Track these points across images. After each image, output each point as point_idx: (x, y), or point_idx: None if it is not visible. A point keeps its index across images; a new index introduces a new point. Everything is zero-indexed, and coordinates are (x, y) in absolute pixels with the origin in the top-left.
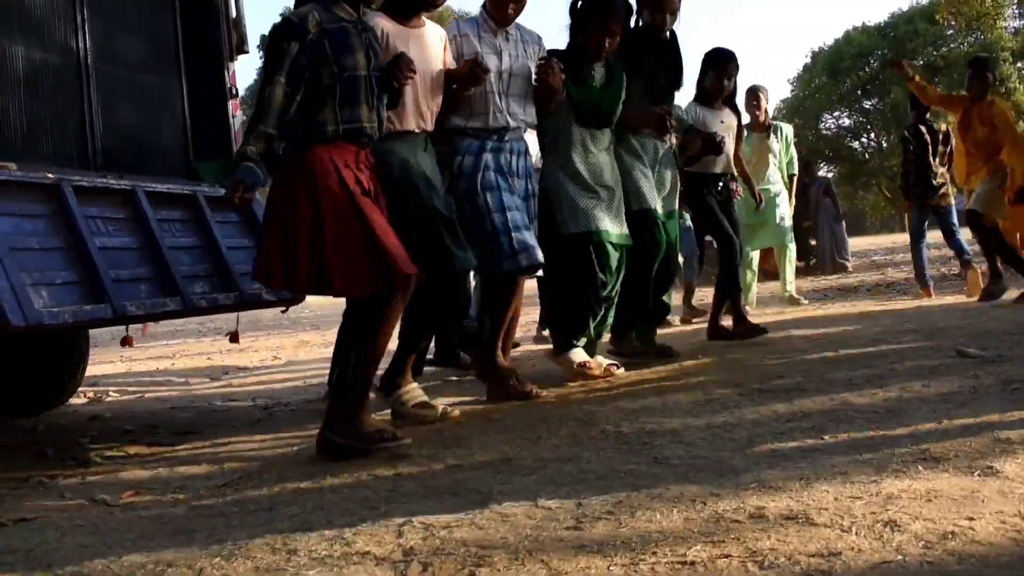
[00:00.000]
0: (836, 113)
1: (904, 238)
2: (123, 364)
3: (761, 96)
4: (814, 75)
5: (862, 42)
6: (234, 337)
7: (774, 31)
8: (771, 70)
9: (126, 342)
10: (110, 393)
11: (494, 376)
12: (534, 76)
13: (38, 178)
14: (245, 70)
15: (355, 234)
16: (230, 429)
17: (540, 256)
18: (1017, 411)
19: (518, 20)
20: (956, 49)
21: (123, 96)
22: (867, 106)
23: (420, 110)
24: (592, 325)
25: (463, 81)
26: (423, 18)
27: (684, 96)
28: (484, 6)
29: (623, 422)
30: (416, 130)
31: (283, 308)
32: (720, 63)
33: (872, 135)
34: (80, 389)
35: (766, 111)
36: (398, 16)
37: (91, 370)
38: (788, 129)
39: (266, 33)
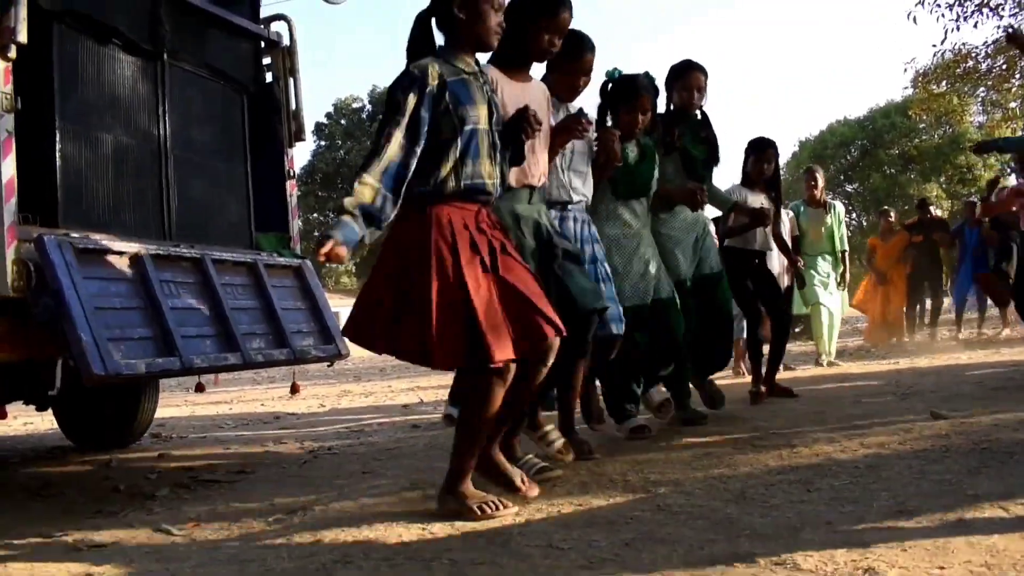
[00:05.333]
0: None
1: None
2: (187, 408)
3: (818, 176)
4: (800, 162)
5: (844, 133)
6: (295, 388)
7: (766, 123)
8: None
9: (199, 388)
10: (175, 434)
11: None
12: (593, 149)
13: (121, 247)
14: (301, 154)
15: (458, 308)
16: (279, 469)
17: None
18: (984, 468)
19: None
20: (928, 140)
21: (196, 177)
22: (849, 190)
23: (534, 163)
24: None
25: (565, 134)
26: (530, 73)
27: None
28: (545, 81)
29: (629, 472)
30: (533, 184)
31: (329, 363)
32: (759, 149)
33: (854, 215)
34: (149, 431)
35: (823, 189)
36: (508, 68)
37: (159, 413)
38: (840, 208)
39: (321, 120)
